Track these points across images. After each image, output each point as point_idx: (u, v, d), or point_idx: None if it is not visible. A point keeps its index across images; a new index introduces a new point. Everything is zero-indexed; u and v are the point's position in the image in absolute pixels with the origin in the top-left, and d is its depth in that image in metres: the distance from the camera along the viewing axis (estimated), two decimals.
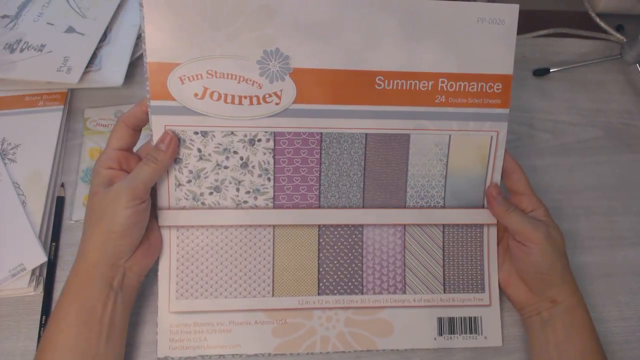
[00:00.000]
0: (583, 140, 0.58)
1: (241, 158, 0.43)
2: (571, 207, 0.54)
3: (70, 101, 0.55)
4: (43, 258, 0.46)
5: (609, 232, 0.53)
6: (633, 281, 0.51)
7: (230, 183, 0.44)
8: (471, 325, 0.46)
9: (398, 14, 0.43)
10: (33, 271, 0.46)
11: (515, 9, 0.44)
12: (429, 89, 0.44)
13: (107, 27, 0.57)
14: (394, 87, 0.44)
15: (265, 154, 0.43)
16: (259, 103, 0.42)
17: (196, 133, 0.42)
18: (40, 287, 0.46)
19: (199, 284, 0.44)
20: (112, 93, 0.56)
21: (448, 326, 0.46)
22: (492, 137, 0.46)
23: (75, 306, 0.39)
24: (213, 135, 0.43)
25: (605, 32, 0.63)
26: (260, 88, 0.42)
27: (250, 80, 0.42)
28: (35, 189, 0.49)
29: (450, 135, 0.46)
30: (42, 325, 0.45)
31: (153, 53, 0.40)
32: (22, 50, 0.54)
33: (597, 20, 0.62)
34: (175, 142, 0.42)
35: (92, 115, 0.55)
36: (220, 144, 0.43)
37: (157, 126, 0.42)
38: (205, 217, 0.44)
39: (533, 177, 0.48)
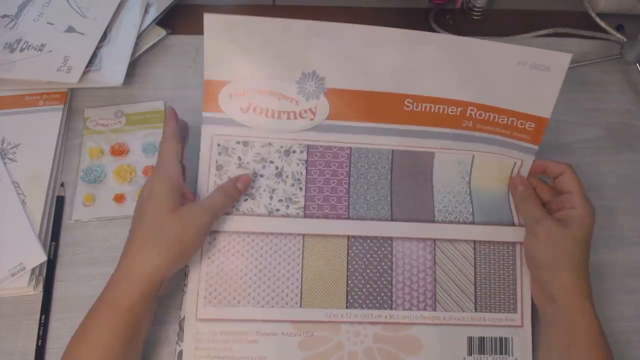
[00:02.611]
0: (583, 140, 0.58)
1: (276, 167, 0.46)
2: None
3: (70, 101, 0.55)
4: (43, 257, 0.46)
5: (609, 231, 0.53)
6: (633, 281, 0.51)
7: (265, 191, 0.46)
8: (502, 346, 0.45)
9: (439, 49, 0.45)
10: (33, 270, 0.46)
11: (566, 58, 0.45)
12: (457, 114, 0.46)
13: (107, 27, 0.57)
14: (422, 110, 0.46)
15: (298, 164, 0.46)
16: (295, 118, 0.46)
17: (238, 142, 0.46)
18: (40, 287, 0.46)
19: (227, 291, 0.44)
20: (112, 93, 0.56)
21: (478, 346, 0.45)
22: (515, 163, 0.48)
23: (119, 320, 0.38)
24: (253, 145, 0.46)
25: (605, 32, 0.63)
26: (298, 105, 0.46)
27: (289, 98, 0.46)
28: (35, 188, 0.49)
29: (474, 155, 0.48)
30: (42, 324, 0.45)
31: (209, 71, 0.45)
32: (22, 50, 0.54)
33: (597, 20, 0.62)
34: (249, 184, 0.46)
35: (92, 114, 0.55)
36: (259, 154, 0.46)
37: (206, 135, 0.45)
38: (239, 223, 0.45)
39: None
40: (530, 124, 0.46)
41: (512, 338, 0.46)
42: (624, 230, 0.54)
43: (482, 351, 0.45)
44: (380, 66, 0.45)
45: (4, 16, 0.57)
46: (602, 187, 0.56)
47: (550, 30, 0.64)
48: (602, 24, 0.62)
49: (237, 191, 0.44)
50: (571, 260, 0.44)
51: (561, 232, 0.43)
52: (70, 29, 0.56)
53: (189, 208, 0.41)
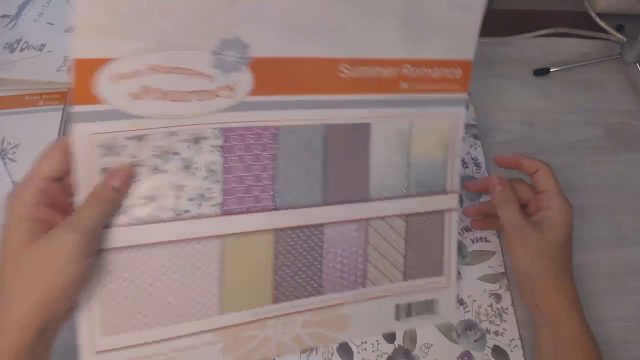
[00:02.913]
0: (583, 140, 0.58)
1: (183, 160, 0.37)
2: None
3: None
4: None
5: (609, 231, 0.53)
6: (633, 281, 0.51)
7: (170, 190, 0.37)
8: (427, 307, 0.46)
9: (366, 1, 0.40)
10: None
11: None
12: (394, 75, 0.42)
13: None
14: (359, 75, 0.41)
15: (212, 152, 0.38)
16: (209, 98, 0.36)
17: (129, 138, 0.35)
18: None
19: (130, 315, 0.37)
20: None
21: (405, 311, 0.45)
22: (450, 123, 0.45)
23: None
24: (151, 139, 0.36)
25: (605, 32, 0.63)
26: (212, 81, 0.36)
27: (201, 73, 0.36)
28: None
29: (410, 122, 0.44)
30: None
31: (82, 47, 0.32)
32: (22, 50, 0.54)
33: (597, 20, 0.62)
34: (131, 179, 0.35)
35: None
36: (159, 147, 0.36)
37: (80, 137, 0.34)
38: (139, 235, 0.36)
39: None
40: (458, 71, 0.44)
41: (437, 299, 0.46)
42: (623, 230, 0.54)
43: (409, 314, 0.45)
44: (314, 25, 0.38)
45: (4, 16, 0.57)
46: (602, 187, 0.56)
47: (550, 30, 0.64)
48: (602, 24, 0.62)
49: (116, 192, 0.34)
50: (551, 265, 0.42)
51: (538, 238, 0.42)
52: (70, 29, 0.56)
53: (50, 235, 0.31)
